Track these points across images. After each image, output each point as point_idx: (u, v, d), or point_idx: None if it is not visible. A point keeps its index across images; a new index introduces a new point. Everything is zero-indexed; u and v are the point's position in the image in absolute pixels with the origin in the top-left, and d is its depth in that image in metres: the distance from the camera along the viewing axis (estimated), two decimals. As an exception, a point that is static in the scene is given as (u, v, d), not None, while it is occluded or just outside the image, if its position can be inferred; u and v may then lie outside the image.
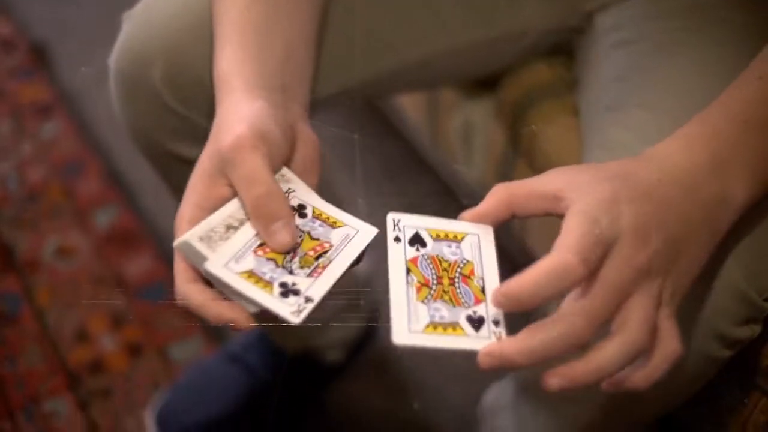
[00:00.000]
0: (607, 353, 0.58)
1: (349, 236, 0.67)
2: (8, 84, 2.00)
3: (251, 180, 0.64)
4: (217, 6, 0.79)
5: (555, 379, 0.59)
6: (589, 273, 0.58)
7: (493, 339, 0.61)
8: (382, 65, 0.96)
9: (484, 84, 1.16)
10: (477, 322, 0.62)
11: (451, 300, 0.63)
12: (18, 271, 1.56)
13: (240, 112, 0.68)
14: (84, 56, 1.99)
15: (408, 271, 0.64)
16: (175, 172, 0.98)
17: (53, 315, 1.49)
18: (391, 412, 1.32)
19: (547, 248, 0.62)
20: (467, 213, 0.66)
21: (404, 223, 0.67)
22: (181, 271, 0.67)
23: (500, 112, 1.13)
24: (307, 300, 0.62)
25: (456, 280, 0.64)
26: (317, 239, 0.67)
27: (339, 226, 0.68)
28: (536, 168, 1.05)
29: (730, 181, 0.64)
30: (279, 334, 1.27)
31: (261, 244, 0.65)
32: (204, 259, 0.64)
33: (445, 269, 0.64)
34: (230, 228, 0.66)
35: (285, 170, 0.70)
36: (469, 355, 0.60)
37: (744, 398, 0.88)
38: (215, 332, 1.46)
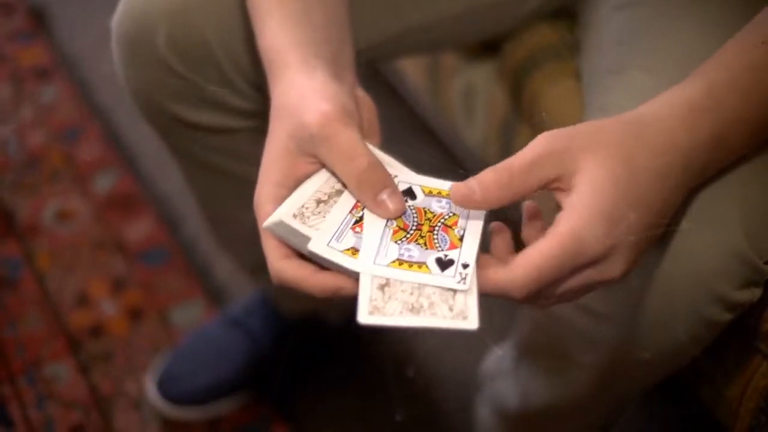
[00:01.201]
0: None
1: None
2: (7, 48, 1.99)
3: (351, 154, 0.65)
4: None
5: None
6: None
7: (458, 279, 0.61)
8: (387, 29, 0.96)
9: (486, 47, 1.16)
10: (445, 264, 0.63)
11: (425, 244, 0.64)
12: (18, 236, 1.56)
13: (308, 87, 0.68)
14: (83, 19, 1.99)
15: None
16: (177, 135, 0.98)
17: (53, 279, 1.50)
18: (391, 377, 1.32)
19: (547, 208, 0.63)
20: None
21: (400, 178, 0.68)
22: (272, 248, 0.66)
23: (502, 75, 1.12)
24: (465, 266, 0.62)
25: (437, 228, 0.65)
26: (440, 213, 0.67)
27: None
28: (538, 131, 1.04)
29: (719, 155, 0.66)
30: (281, 298, 1.27)
31: (356, 222, 0.66)
32: (300, 235, 0.64)
33: (428, 219, 0.66)
34: (320, 202, 0.66)
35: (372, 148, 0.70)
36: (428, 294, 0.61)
37: (744, 362, 0.88)
38: (216, 296, 1.46)
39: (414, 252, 0.63)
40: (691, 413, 1.18)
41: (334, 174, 0.67)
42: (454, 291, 0.61)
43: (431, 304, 0.61)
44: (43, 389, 1.34)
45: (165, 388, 1.31)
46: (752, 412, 0.89)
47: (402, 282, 0.62)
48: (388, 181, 0.65)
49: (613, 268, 0.62)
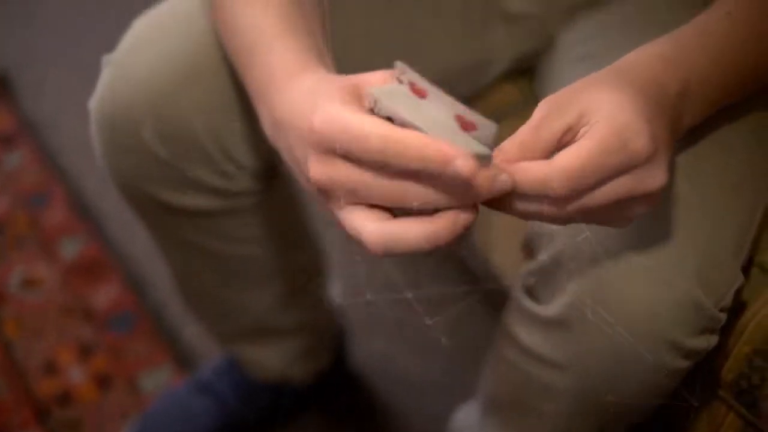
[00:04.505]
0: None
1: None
2: (-30, 115, 1.98)
3: (395, 136, 0.57)
4: (233, 25, 0.76)
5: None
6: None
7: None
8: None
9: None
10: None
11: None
12: (-16, 304, 1.55)
13: (316, 84, 0.64)
14: (47, 83, 1.99)
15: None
16: (158, 217, 0.98)
17: (21, 347, 1.48)
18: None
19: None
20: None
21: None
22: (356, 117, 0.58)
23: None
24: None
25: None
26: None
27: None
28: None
29: (686, 110, 0.67)
30: (250, 363, 1.27)
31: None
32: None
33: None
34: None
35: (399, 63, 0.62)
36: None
37: (711, 413, 0.88)
38: (185, 361, 1.45)
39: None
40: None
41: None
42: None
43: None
44: (11, 458, 1.32)
45: (134, 454, 1.29)
46: (722, 463, 0.89)
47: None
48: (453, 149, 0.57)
49: (655, 174, 0.61)
